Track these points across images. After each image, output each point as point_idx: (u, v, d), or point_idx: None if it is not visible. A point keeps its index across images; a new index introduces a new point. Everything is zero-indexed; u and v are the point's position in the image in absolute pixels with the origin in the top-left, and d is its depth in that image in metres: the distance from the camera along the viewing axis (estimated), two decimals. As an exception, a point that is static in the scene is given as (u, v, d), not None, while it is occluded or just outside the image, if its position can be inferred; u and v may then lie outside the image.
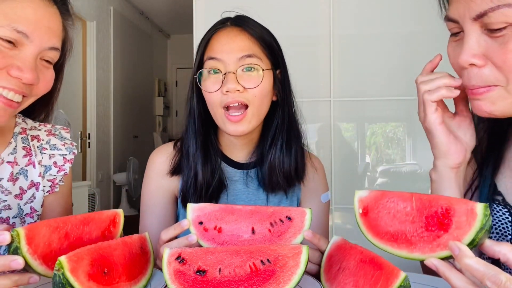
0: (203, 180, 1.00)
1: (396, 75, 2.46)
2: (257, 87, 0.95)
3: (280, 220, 0.76)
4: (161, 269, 0.67)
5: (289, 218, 0.76)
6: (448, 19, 0.73)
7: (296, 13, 2.52)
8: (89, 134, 4.38)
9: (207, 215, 0.77)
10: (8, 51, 0.78)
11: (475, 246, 0.59)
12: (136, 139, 5.53)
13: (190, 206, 0.78)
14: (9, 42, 0.78)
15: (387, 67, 2.48)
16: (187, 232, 0.78)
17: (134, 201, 4.72)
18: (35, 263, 0.63)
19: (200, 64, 1.00)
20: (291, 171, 1.04)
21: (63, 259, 0.62)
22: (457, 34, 0.73)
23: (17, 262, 0.61)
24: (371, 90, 2.49)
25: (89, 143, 4.39)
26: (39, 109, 1.01)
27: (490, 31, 0.66)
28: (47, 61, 0.86)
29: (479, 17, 0.66)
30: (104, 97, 4.57)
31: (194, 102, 1.02)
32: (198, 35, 2.50)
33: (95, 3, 4.32)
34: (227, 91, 0.93)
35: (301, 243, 0.73)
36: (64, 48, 0.93)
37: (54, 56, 0.86)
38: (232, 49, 0.95)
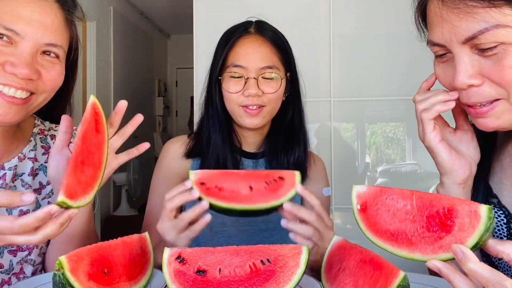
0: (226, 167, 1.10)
1: (396, 75, 2.46)
2: (274, 93, 1.07)
3: (274, 179, 0.84)
4: (161, 269, 0.68)
5: (281, 178, 0.85)
6: (433, 44, 0.72)
7: (296, 13, 2.52)
8: (89, 134, 4.38)
9: (208, 177, 0.84)
10: (3, 48, 0.78)
11: (478, 248, 0.58)
12: (136, 139, 5.52)
13: (192, 172, 0.84)
14: (4, 39, 0.79)
15: (387, 67, 2.48)
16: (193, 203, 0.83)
17: (134, 201, 4.72)
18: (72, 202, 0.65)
19: (222, 65, 1.09)
20: (296, 167, 1.13)
21: (63, 259, 0.62)
22: (443, 56, 0.73)
23: (51, 208, 0.63)
24: (371, 90, 2.49)
25: (89, 143, 4.38)
26: (59, 108, 1.02)
27: (482, 51, 0.65)
28: (52, 56, 0.85)
29: (468, 40, 0.65)
30: (104, 97, 4.56)
31: (216, 99, 1.13)
32: (198, 35, 2.49)
33: (95, 3, 4.31)
34: (248, 95, 1.05)
35: (294, 199, 0.82)
36: (72, 44, 0.92)
37: (58, 51, 0.85)
38: (256, 58, 1.07)
